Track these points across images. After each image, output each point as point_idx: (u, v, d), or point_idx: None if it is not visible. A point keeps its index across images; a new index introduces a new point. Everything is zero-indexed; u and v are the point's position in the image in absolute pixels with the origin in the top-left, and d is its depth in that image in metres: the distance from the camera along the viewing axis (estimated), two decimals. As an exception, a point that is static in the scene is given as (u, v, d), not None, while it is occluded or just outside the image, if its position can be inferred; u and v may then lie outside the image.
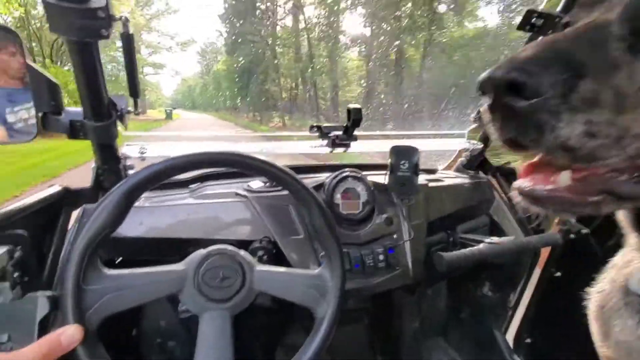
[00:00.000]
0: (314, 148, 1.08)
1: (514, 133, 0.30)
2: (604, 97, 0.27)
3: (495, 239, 0.97)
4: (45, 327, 0.55)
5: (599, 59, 0.27)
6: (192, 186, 1.07)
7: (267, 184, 0.99)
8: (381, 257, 0.93)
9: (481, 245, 0.92)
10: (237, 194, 0.95)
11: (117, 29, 0.70)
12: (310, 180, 1.03)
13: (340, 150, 1.06)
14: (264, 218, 0.89)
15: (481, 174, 1.34)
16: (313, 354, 0.61)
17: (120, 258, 0.92)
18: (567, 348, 1.21)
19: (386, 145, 1.04)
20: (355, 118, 0.94)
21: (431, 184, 1.12)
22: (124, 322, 1.05)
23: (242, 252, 0.65)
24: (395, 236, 0.98)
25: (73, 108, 0.80)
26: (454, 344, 1.44)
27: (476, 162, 1.31)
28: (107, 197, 0.55)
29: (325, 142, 1.07)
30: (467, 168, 1.33)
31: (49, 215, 0.79)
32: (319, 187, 0.99)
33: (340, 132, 1.01)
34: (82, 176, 1.02)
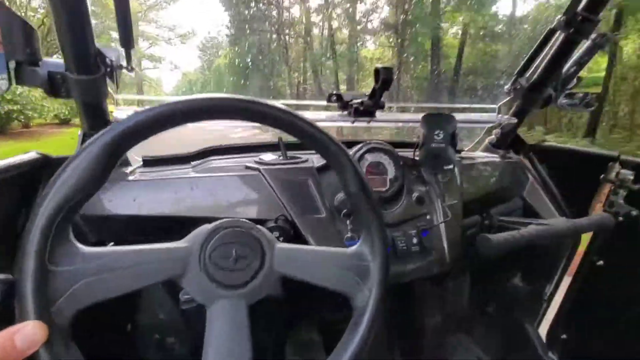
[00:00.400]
0: (333, 121, 0.95)
1: None
2: None
3: (543, 221, 0.84)
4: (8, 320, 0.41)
5: None
6: (195, 162, 0.94)
7: (281, 157, 0.86)
8: (415, 240, 0.80)
9: (530, 227, 0.80)
10: (247, 167, 0.82)
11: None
12: None
13: (363, 123, 0.94)
14: (279, 194, 0.76)
15: (512, 154, 1.22)
16: (353, 355, 0.48)
17: (112, 242, 0.80)
18: (608, 346, 1.09)
19: (416, 118, 0.92)
20: (385, 78, 0.81)
21: (463, 162, 0.99)
22: (115, 316, 0.91)
23: (260, 227, 0.52)
24: (428, 217, 0.85)
25: (53, 59, 0.67)
26: (479, 341, 1.32)
27: (508, 140, 1.19)
28: (82, 149, 0.41)
29: (346, 112, 0.94)
30: (498, 147, 1.21)
31: (23, 187, 0.66)
32: None
33: (364, 99, 0.88)
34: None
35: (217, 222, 0.50)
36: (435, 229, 0.84)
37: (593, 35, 0.95)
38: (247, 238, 0.49)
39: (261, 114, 0.49)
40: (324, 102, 0.96)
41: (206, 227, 0.49)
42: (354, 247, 0.54)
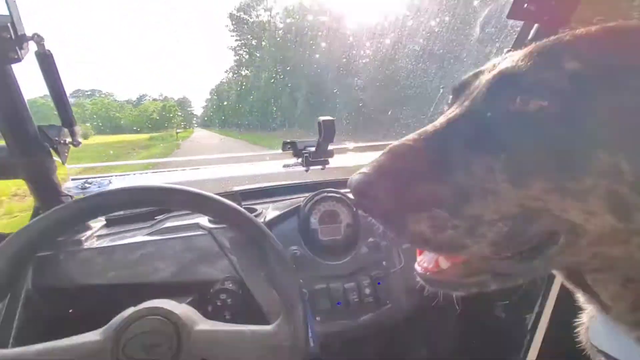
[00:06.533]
0: (288, 167, 0.96)
1: (394, 233, 0.31)
2: (444, 195, 0.30)
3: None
4: None
5: (434, 163, 0.31)
6: (158, 217, 0.96)
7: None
8: (367, 290, 0.80)
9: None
10: (199, 226, 0.83)
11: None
12: (285, 202, 0.91)
13: (317, 167, 0.94)
14: (228, 253, 0.77)
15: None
16: None
17: (71, 310, 0.81)
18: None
19: (372, 157, 0.92)
20: (327, 132, 0.82)
21: None
22: None
23: (180, 309, 0.52)
24: (384, 263, 0.85)
25: None
26: None
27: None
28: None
29: (300, 159, 0.95)
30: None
31: None
32: (294, 211, 0.87)
33: (314, 148, 0.89)
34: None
35: (134, 309, 0.51)
36: (392, 276, 0.84)
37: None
38: (164, 325, 0.50)
39: (178, 201, 0.51)
40: (280, 151, 0.97)
41: (122, 317, 0.50)
42: (273, 326, 0.54)
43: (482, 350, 1.26)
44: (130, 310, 0.50)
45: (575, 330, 0.46)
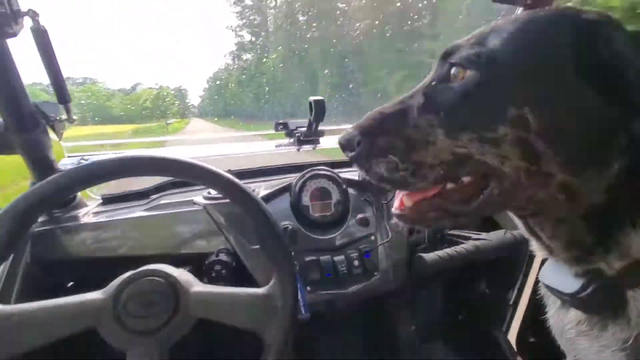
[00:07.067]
0: (280, 147, 0.98)
1: (363, 172, 0.42)
2: (398, 146, 0.40)
3: (483, 235, 0.87)
4: None
5: (394, 123, 0.41)
6: (153, 196, 0.98)
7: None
8: (356, 262, 0.83)
9: (467, 244, 0.82)
10: (194, 203, 0.86)
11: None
12: (276, 181, 0.94)
13: (308, 147, 0.97)
14: (222, 227, 0.80)
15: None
16: None
17: (72, 282, 0.84)
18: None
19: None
20: (317, 111, 0.84)
21: None
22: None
23: (177, 272, 0.55)
24: (372, 238, 0.88)
25: None
26: (453, 347, 1.34)
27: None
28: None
29: (292, 140, 0.97)
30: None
31: None
32: (286, 188, 0.90)
33: (305, 128, 0.92)
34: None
35: (134, 272, 0.54)
36: (379, 249, 0.87)
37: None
38: (161, 286, 0.53)
39: (164, 169, 0.53)
40: (272, 131, 1.00)
41: (122, 277, 0.53)
42: (265, 288, 0.57)
43: (467, 323, 1.32)
44: (130, 272, 0.53)
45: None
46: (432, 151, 0.38)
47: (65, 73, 0.70)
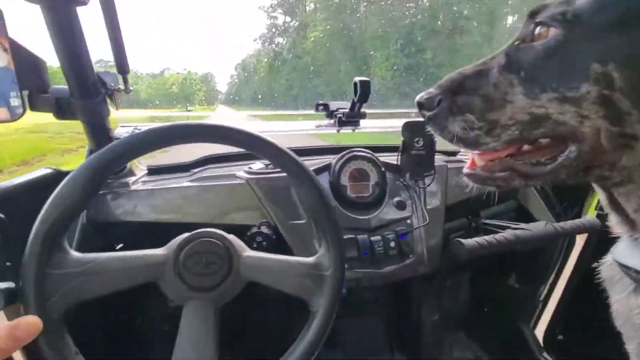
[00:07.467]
0: (320, 128, 0.99)
1: (438, 132, 0.43)
2: (475, 104, 0.40)
3: (522, 225, 0.86)
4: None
5: (475, 82, 0.41)
6: (194, 170, 1.02)
7: (270, 166, 0.92)
8: (392, 243, 0.84)
9: (507, 232, 0.82)
10: (236, 176, 0.88)
11: None
12: (315, 161, 0.96)
13: (348, 130, 0.98)
14: (264, 201, 0.83)
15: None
16: (304, 352, 0.54)
17: (121, 244, 0.89)
18: (604, 347, 1.08)
19: (400, 123, 0.95)
20: (362, 92, 0.85)
21: (451, 165, 1.02)
22: (125, 310, 1.02)
23: (231, 236, 0.58)
24: (408, 221, 0.89)
25: (60, 86, 0.76)
26: (477, 340, 1.34)
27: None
28: (71, 175, 0.49)
29: (332, 121, 0.99)
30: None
31: (37, 200, 0.76)
32: (325, 168, 0.92)
33: (347, 109, 0.93)
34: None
35: (193, 232, 0.57)
36: (415, 233, 0.88)
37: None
38: (218, 246, 0.56)
39: (230, 138, 0.56)
40: (312, 111, 1.01)
41: (182, 237, 0.56)
42: (313, 258, 0.59)
43: (493, 316, 1.31)
44: (188, 233, 0.56)
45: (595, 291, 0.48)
46: (509, 110, 0.38)
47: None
